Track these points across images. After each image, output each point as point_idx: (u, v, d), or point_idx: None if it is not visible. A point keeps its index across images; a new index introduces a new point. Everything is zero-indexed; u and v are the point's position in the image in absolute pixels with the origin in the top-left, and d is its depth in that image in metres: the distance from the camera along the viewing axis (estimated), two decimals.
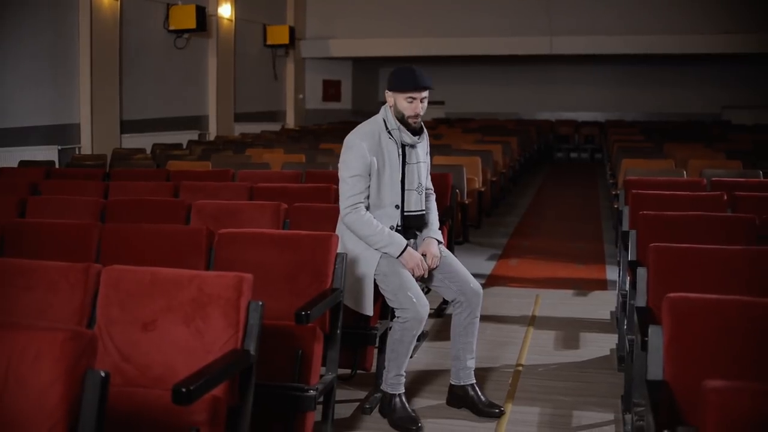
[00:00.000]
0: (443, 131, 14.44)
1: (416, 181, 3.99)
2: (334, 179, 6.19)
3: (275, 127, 17.39)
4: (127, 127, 13.13)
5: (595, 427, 3.86)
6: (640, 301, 3.58)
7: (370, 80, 22.58)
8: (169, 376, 2.74)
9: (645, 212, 4.53)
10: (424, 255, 3.96)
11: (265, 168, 7.98)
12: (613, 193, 8.29)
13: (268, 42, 18.19)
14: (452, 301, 4.04)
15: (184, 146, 12.17)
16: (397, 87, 3.89)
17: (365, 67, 21.75)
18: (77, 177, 7.47)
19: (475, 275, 4.24)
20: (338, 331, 3.63)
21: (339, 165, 3.96)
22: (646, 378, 2.68)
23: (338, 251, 3.73)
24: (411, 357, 4.04)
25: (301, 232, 3.88)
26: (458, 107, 21.47)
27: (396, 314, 3.86)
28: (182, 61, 14.90)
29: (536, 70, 21.64)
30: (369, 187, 3.89)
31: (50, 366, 2.05)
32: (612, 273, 6.95)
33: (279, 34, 18.16)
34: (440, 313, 5.71)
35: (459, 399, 4.03)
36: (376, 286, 3.90)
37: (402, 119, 3.92)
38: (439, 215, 4.22)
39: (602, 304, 6.10)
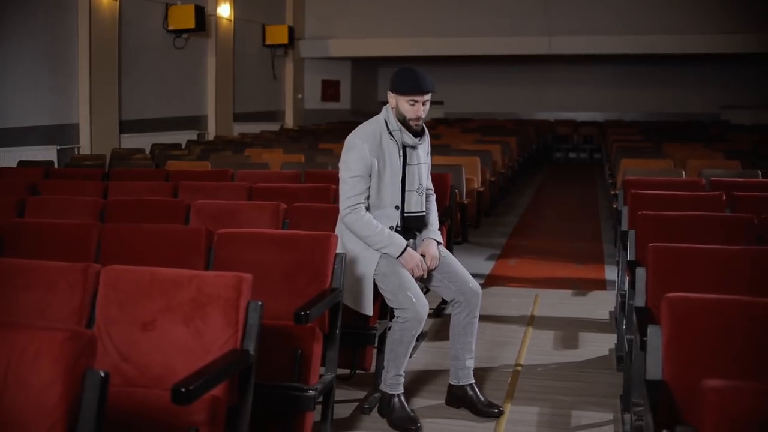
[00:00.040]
0: (442, 131, 14.44)
1: (417, 182, 3.99)
2: (334, 179, 6.20)
3: (274, 127, 17.39)
4: (126, 127, 13.13)
5: (594, 426, 3.86)
6: (639, 301, 3.58)
7: (369, 80, 22.58)
8: (168, 376, 2.74)
9: (644, 212, 4.53)
10: (423, 255, 3.96)
11: (264, 168, 7.98)
12: (612, 193, 8.29)
13: (267, 42, 18.19)
14: (451, 301, 4.04)
15: (183, 146, 12.17)
16: (399, 89, 3.88)
17: (364, 67, 21.75)
18: (76, 177, 7.47)
19: (474, 275, 4.24)
20: (337, 331, 3.63)
21: (339, 165, 3.95)
22: (645, 378, 2.68)
23: (338, 251, 3.73)
24: (410, 357, 4.04)
25: (301, 232, 3.89)
26: (457, 107, 21.47)
27: (395, 314, 3.87)
28: (181, 61, 14.90)
29: (535, 70, 21.65)
30: (369, 187, 3.89)
31: (50, 366, 2.05)
32: (611, 273, 6.96)
33: (278, 34, 18.16)
34: (439, 313, 5.71)
35: (458, 399, 4.03)
36: (375, 286, 3.90)
37: (403, 121, 3.91)
38: (438, 215, 4.22)
39: (601, 304, 6.10)
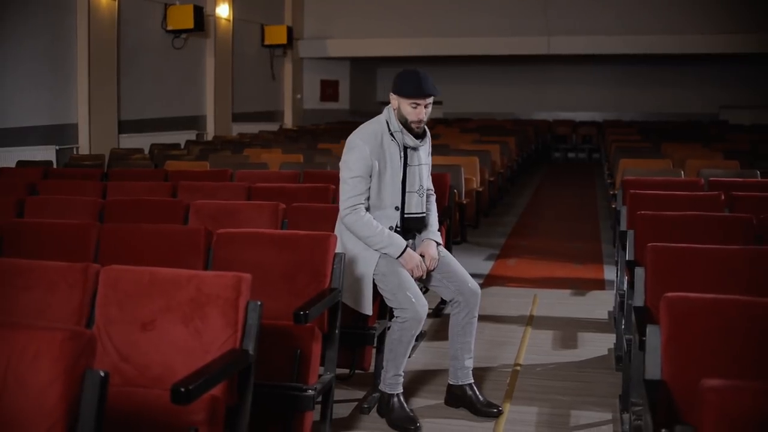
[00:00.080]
0: (441, 131, 14.45)
1: (417, 183, 3.98)
2: (333, 179, 6.22)
3: (273, 127, 17.39)
4: (125, 127, 13.13)
5: (593, 426, 3.87)
6: (638, 300, 3.59)
7: (368, 80, 22.59)
8: (167, 375, 2.74)
9: (643, 212, 4.53)
10: (422, 256, 3.96)
11: (263, 168, 7.98)
12: (611, 193, 8.30)
13: (266, 42, 18.19)
14: (450, 301, 4.04)
15: (182, 146, 12.17)
16: (402, 91, 3.87)
17: (363, 67, 21.76)
18: (75, 177, 7.48)
19: (473, 275, 4.25)
20: (336, 331, 3.63)
21: (340, 165, 3.95)
22: (643, 377, 2.69)
23: (337, 251, 3.73)
24: (409, 357, 4.04)
25: (300, 232, 3.89)
26: (456, 107, 21.48)
27: (395, 314, 3.87)
28: (180, 61, 14.90)
29: (534, 70, 21.65)
30: (369, 188, 3.89)
31: (49, 365, 2.05)
32: (610, 273, 6.96)
33: (277, 34, 18.16)
34: (438, 312, 5.71)
35: (457, 399, 4.04)
36: (375, 285, 3.90)
37: (405, 123, 3.91)
38: (437, 215, 4.22)
39: (600, 304, 6.11)
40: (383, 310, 4.16)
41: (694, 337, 2.58)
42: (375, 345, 4.11)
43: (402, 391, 3.92)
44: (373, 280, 3.88)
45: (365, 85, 22.32)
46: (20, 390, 2.05)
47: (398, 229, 3.94)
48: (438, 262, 4.00)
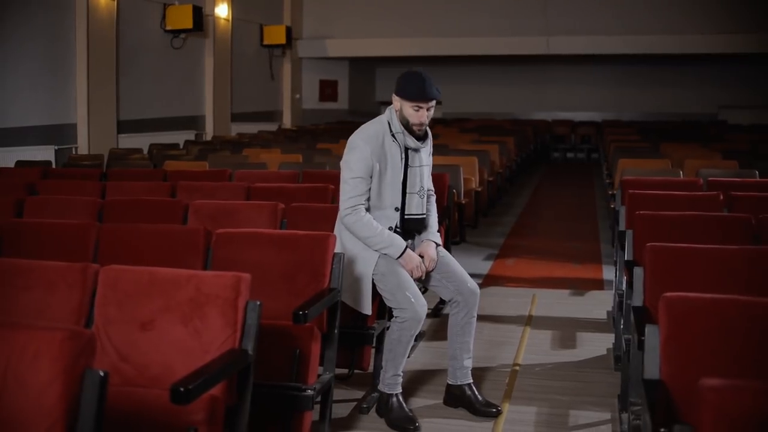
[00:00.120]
0: (440, 131, 14.45)
1: (418, 185, 3.98)
2: (332, 179, 6.22)
3: (272, 127, 17.39)
4: (124, 127, 13.13)
5: (591, 426, 3.87)
6: (637, 300, 3.59)
7: (367, 80, 22.59)
8: (167, 375, 2.74)
9: (641, 212, 4.54)
10: (421, 257, 3.96)
11: (262, 168, 7.98)
12: (610, 192, 8.30)
13: (265, 42, 18.19)
14: (449, 301, 4.05)
15: (181, 146, 12.17)
16: (405, 94, 3.86)
17: (362, 67, 21.76)
18: (74, 177, 7.48)
19: (472, 275, 4.25)
20: (335, 331, 3.63)
21: (341, 164, 3.94)
22: (642, 377, 2.69)
23: (336, 251, 3.73)
24: (408, 357, 4.04)
25: (299, 232, 3.89)
26: (455, 107, 21.48)
27: (394, 314, 3.87)
28: (179, 61, 14.90)
29: (533, 70, 21.65)
30: (370, 189, 3.89)
31: (49, 365, 2.05)
32: (608, 273, 6.96)
33: (276, 34, 18.16)
34: (437, 312, 5.71)
35: (456, 398, 4.04)
36: (374, 285, 3.90)
37: (406, 125, 3.90)
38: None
39: (599, 304, 6.11)
40: (382, 310, 4.16)
41: (692, 336, 2.58)
42: (374, 345, 4.11)
43: (401, 391, 3.92)
44: (373, 279, 3.88)
45: (364, 85, 22.33)
46: (20, 389, 2.06)
47: (398, 229, 3.94)
48: (436, 262, 4.00)
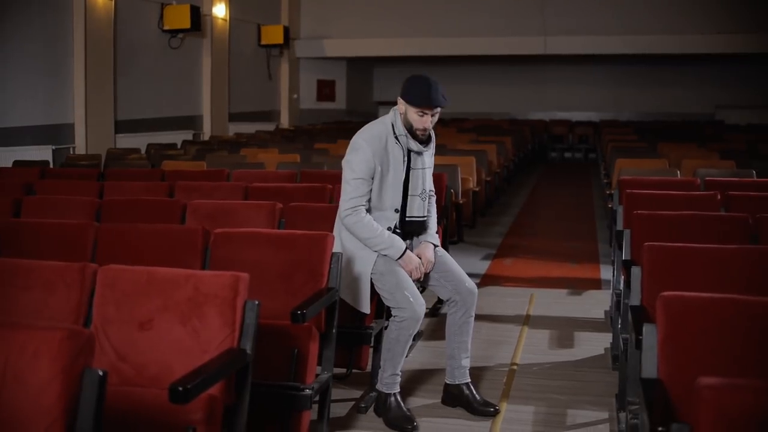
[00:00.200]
0: (438, 131, 14.36)
1: (420, 187, 3.98)
2: (329, 179, 6.23)
3: (270, 126, 17.39)
4: (122, 127, 13.12)
5: (589, 425, 3.87)
6: (635, 299, 3.60)
7: (365, 80, 22.60)
8: (165, 375, 2.74)
9: (639, 212, 4.54)
10: (419, 257, 3.96)
11: (259, 168, 7.98)
12: (607, 192, 8.31)
13: (263, 42, 18.19)
14: (447, 300, 4.05)
15: (179, 146, 12.16)
16: (410, 99, 3.83)
17: (359, 67, 21.76)
18: (72, 177, 7.47)
19: (470, 275, 4.25)
20: (334, 330, 3.63)
21: (343, 163, 3.93)
22: (640, 376, 2.69)
23: (335, 250, 3.74)
24: (406, 356, 4.04)
25: (297, 232, 3.89)
26: (453, 107, 21.29)
27: (392, 313, 3.87)
28: (177, 60, 14.89)
29: (530, 70, 21.66)
30: (371, 190, 3.88)
31: (48, 364, 2.05)
32: (606, 272, 6.97)
33: (273, 34, 18.16)
34: (435, 312, 5.72)
35: (454, 398, 4.04)
36: (372, 285, 3.91)
37: (410, 128, 3.90)
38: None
39: (596, 304, 6.12)
40: (380, 310, 4.17)
41: (690, 335, 2.59)
42: (372, 344, 4.11)
43: (399, 390, 3.92)
44: (371, 279, 3.88)
45: (362, 85, 22.33)
46: (19, 388, 2.06)
47: (397, 230, 3.94)
48: (435, 262, 4.00)
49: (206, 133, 15.76)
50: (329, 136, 13.38)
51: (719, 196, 5.31)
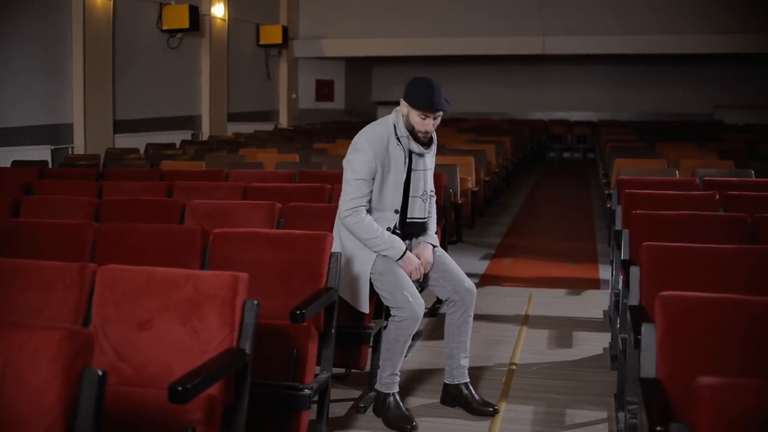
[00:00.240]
0: (437, 131, 14.33)
1: (421, 188, 3.97)
2: (328, 179, 6.23)
3: (268, 126, 17.39)
4: (120, 126, 13.12)
5: (588, 425, 3.88)
6: (633, 299, 3.60)
7: (363, 80, 22.60)
8: (164, 375, 2.74)
9: (638, 211, 4.55)
10: (417, 258, 3.96)
11: (258, 168, 7.98)
12: (606, 192, 8.31)
13: (261, 42, 18.19)
14: (446, 300, 4.05)
15: (178, 146, 12.16)
16: (412, 101, 3.82)
17: (358, 67, 21.76)
18: (71, 177, 7.47)
19: (469, 275, 4.25)
20: (333, 330, 3.64)
21: (344, 163, 3.93)
22: (639, 376, 2.69)
23: (334, 249, 3.74)
24: (405, 356, 4.05)
25: (296, 232, 3.89)
26: (452, 107, 21.39)
27: (392, 313, 3.88)
28: (175, 60, 14.89)
29: (529, 70, 21.67)
30: (372, 191, 3.88)
31: (47, 364, 2.05)
32: (605, 272, 6.98)
33: (272, 34, 18.16)
34: (434, 312, 5.72)
35: (453, 398, 4.04)
36: (371, 284, 3.91)
37: (411, 130, 3.89)
38: None
39: (595, 303, 6.12)
40: (379, 310, 4.17)
41: (689, 335, 2.59)
42: (371, 344, 4.12)
43: (398, 390, 3.92)
44: (370, 279, 3.89)
45: (360, 85, 22.33)
46: (19, 388, 2.06)
47: (397, 231, 3.94)
48: (434, 262, 4.01)
49: (205, 133, 15.76)
50: (328, 136, 13.38)
51: (718, 196, 5.31)
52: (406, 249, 3.90)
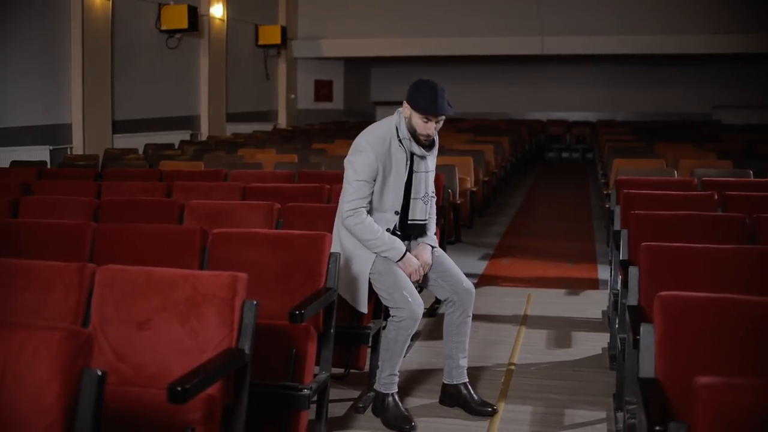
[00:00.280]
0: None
1: (422, 190, 3.97)
2: (327, 179, 6.23)
3: (267, 127, 17.39)
4: (119, 127, 13.12)
5: (587, 425, 3.88)
6: (632, 299, 3.60)
7: (362, 80, 22.61)
8: (164, 375, 2.75)
9: (636, 212, 4.55)
10: (416, 258, 3.97)
11: (257, 168, 7.98)
12: (605, 192, 8.32)
13: (260, 42, 18.19)
14: (445, 300, 4.05)
15: (176, 146, 12.16)
16: (415, 104, 3.81)
17: (357, 67, 21.77)
18: (70, 177, 7.47)
19: (468, 275, 4.25)
20: (332, 331, 3.64)
21: (345, 163, 3.92)
22: (637, 376, 2.70)
23: (334, 249, 3.74)
24: (404, 356, 4.05)
25: (295, 232, 3.89)
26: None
27: (391, 313, 3.88)
28: (174, 61, 14.89)
29: (527, 70, 21.68)
30: (373, 192, 3.88)
31: (47, 364, 2.06)
32: (604, 272, 6.98)
33: (271, 34, 18.16)
34: (433, 312, 5.72)
35: (452, 398, 4.05)
36: (370, 284, 3.91)
37: (414, 133, 3.89)
38: None
39: (594, 303, 6.12)
40: (378, 310, 4.17)
41: (687, 335, 2.59)
42: (370, 344, 4.12)
43: (397, 390, 3.92)
44: (369, 279, 3.89)
45: (359, 85, 22.34)
46: (19, 388, 2.06)
47: (396, 232, 3.94)
48: (433, 262, 4.01)
49: (204, 134, 15.76)
50: (327, 136, 13.38)
51: (716, 196, 5.31)
52: (406, 250, 3.90)
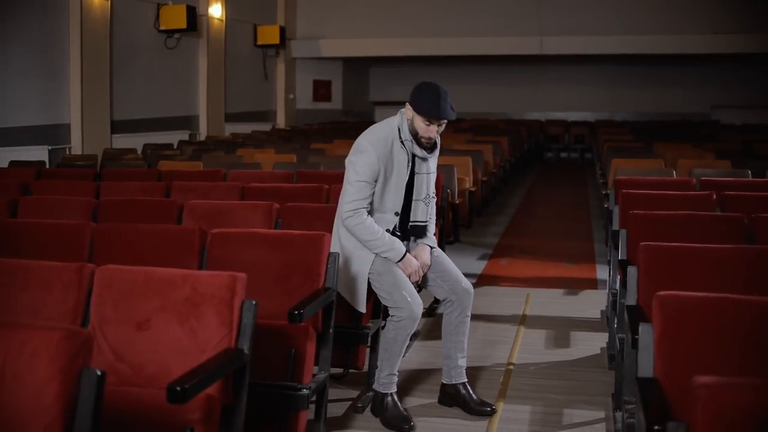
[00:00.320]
0: None
1: (424, 192, 3.97)
2: (326, 179, 6.24)
3: (266, 127, 17.39)
4: (118, 127, 13.12)
5: (586, 425, 3.88)
6: (631, 299, 3.60)
7: (361, 80, 22.60)
8: (163, 375, 2.75)
9: (635, 211, 4.55)
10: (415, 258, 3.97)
11: (256, 168, 7.99)
12: (604, 192, 8.32)
13: (259, 42, 18.19)
14: (444, 300, 4.05)
15: (175, 146, 12.16)
16: (418, 107, 3.81)
17: (356, 67, 21.77)
18: (68, 177, 7.47)
19: (466, 275, 4.26)
20: (331, 330, 3.64)
21: (346, 163, 3.91)
22: (636, 375, 2.70)
23: (333, 248, 3.74)
24: (403, 356, 4.05)
25: (294, 232, 3.89)
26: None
27: (390, 313, 3.88)
28: (173, 61, 14.89)
29: (526, 70, 21.69)
30: (373, 193, 3.87)
31: (46, 364, 2.06)
32: (602, 272, 6.98)
33: (269, 34, 18.16)
34: (432, 312, 5.72)
35: (451, 398, 4.05)
36: (369, 284, 3.91)
37: (415, 135, 3.89)
38: None
39: (593, 303, 6.13)
40: (377, 310, 4.17)
41: (686, 335, 2.60)
42: (369, 344, 4.12)
43: (396, 390, 3.92)
44: (369, 278, 3.89)
45: (358, 85, 22.34)
46: (18, 388, 2.06)
47: (396, 232, 3.94)
48: (432, 262, 4.01)
49: (202, 134, 15.76)
50: (325, 136, 13.38)
51: (715, 196, 5.32)
52: (406, 251, 3.90)
